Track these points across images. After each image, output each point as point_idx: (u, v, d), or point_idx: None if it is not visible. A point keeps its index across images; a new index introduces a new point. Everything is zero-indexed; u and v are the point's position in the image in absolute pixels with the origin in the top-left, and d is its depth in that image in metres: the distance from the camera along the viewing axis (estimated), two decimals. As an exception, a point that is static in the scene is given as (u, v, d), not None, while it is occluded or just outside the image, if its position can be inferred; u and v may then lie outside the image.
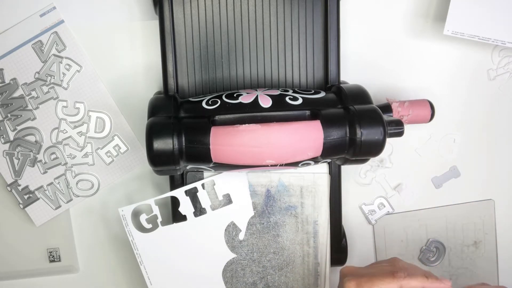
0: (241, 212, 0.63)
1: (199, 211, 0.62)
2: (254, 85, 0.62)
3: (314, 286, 0.64)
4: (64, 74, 0.64)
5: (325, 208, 0.62)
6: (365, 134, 0.53)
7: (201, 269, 0.63)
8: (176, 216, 0.62)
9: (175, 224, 0.62)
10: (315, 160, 0.55)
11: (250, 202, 0.63)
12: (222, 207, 0.62)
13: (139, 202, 0.61)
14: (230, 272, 0.63)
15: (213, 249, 0.63)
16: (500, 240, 0.73)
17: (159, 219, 0.61)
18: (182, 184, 0.62)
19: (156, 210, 0.61)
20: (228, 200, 0.62)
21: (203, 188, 0.62)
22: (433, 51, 0.67)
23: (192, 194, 0.62)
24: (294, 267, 0.64)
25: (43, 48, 0.63)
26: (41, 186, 0.66)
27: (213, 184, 0.62)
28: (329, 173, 0.62)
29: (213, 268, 0.63)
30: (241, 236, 0.63)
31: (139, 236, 0.62)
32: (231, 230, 0.63)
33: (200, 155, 0.53)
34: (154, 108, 0.56)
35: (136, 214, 0.62)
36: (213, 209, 0.62)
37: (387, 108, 0.61)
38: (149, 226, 0.62)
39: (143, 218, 0.62)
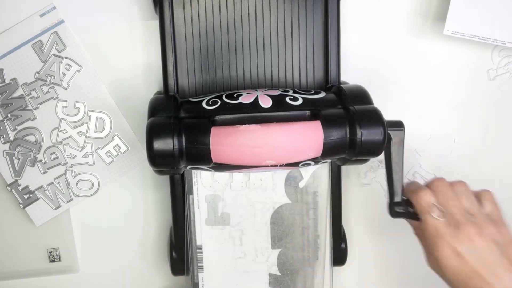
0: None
1: None
2: (254, 85, 0.62)
3: (314, 258, 0.64)
4: (64, 74, 0.64)
5: (325, 178, 0.62)
6: (365, 134, 0.53)
7: (253, 210, 0.63)
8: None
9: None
10: (315, 160, 0.55)
11: None
12: None
13: None
14: (277, 215, 0.63)
15: (270, 191, 0.62)
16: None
17: None
18: (183, 184, 0.62)
19: None
20: None
21: None
22: (433, 51, 0.67)
23: None
24: (294, 238, 0.63)
25: (43, 48, 0.63)
26: (41, 186, 0.66)
27: None
28: (329, 173, 0.62)
29: (264, 212, 0.63)
30: (302, 184, 0.62)
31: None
32: (294, 176, 0.62)
33: (200, 155, 0.53)
34: (154, 108, 0.56)
35: None
36: None
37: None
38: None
39: None
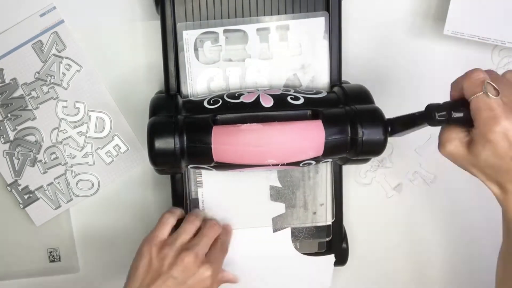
0: None
1: None
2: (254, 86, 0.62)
3: (315, 172, 0.64)
4: (64, 74, 0.64)
5: None
6: (366, 134, 0.53)
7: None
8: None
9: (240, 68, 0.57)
10: (317, 159, 0.55)
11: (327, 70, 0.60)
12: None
13: (208, 28, 0.56)
14: None
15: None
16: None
17: (222, 51, 0.56)
18: (183, 183, 0.62)
19: (222, 41, 0.57)
20: None
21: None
22: (433, 51, 0.67)
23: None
24: None
25: (43, 48, 0.63)
26: (41, 186, 0.66)
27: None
28: (331, 173, 0.62)
29: None
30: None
31: (197, 65, 0.58)
32: (293, 84, 0.61)
33: (201, 154, 0.53)
34: (156, 107, 0.56)
35: (200, 42, 0.57)
36: None
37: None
38: (210, 56, 0.57)
39: (207, 46, 0.57)
